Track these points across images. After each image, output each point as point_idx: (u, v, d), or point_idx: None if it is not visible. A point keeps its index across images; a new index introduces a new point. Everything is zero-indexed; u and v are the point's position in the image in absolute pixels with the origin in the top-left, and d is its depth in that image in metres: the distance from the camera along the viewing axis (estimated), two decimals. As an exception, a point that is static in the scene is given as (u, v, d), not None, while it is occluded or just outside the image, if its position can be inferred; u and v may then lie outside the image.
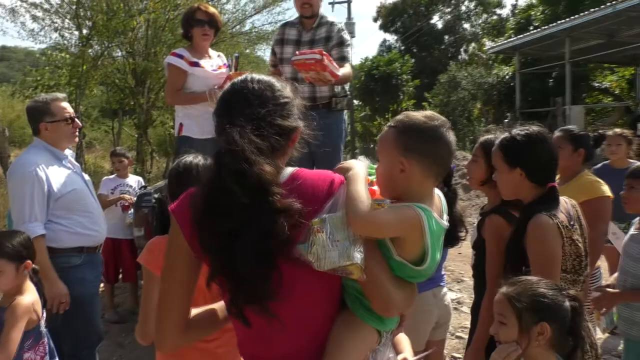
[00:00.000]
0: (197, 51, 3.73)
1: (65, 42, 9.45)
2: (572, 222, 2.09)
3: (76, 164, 3.02)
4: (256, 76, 1.43)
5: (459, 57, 31.90)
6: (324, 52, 3.39)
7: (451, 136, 1.41)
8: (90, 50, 8.61)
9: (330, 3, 29.29)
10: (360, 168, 1.38)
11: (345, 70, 3.77)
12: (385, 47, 33.56)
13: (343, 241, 1.25)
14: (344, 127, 4.07)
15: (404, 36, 32.40)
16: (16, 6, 10.14)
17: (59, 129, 2.85)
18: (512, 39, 16.83)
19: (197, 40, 3.72)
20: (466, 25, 34.70)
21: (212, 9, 3.77)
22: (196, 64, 3.67)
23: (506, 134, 2.15)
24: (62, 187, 2.76)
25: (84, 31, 8.60)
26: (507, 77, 18.40)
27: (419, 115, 1.44)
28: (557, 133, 3.24)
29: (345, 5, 28.71)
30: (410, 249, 1.33)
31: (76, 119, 2.93)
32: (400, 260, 1.34)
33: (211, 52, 3.86)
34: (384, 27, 33.74)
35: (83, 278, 2.78)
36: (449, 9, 34.27)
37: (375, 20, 34.20)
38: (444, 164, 1.41)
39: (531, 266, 2.00)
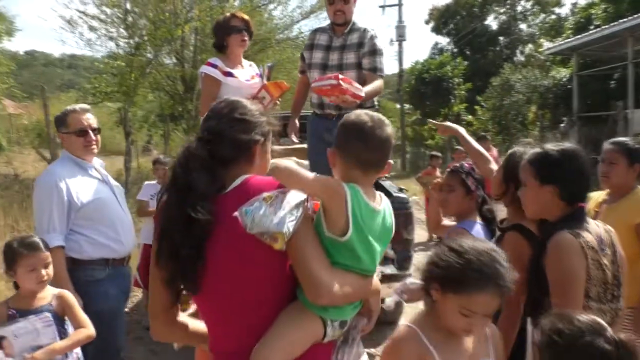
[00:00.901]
0: (230, 60, 3.70)
1: (120, 50, 9.80)
2: (602, 246, 1.90)
3: (104, 172, 3.01)
4: (229, 98, 1.71)
5: (514, 58, 30.91)
6: (341, 76, 3.27)
7: (376, 133, 1.55)
8: (140, 58, 8.82)
9: (380, 6, 29.11)
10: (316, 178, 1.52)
11: (374, 84, 3.67)
12: (437, 50, 32.95)
13: (280, 212, 1.39)
14: None
15: (456, 38, 31.72)
16: (74, 17, 10.58)
17: (71, 140, 2.86)
18: (570, 39, 16.11)
19: (233, 48, 3.67)
20: (522, 26, 33.61)
21: (246, 16, 3.74)
22: (230, 74, 3.64)
23: (539, 149, 2.00)
24: (84, 197, 2.76)
25: (133, 40, 8.85)
26: (564, 79, 17.63)
27: (356, 113, 1.62)
28: (608, 146, 2.93)
29: (396, 8, 28.55)
30: (335, 219, 1.48)
31: (91, 132, 2.88)
32: (330, 236, 1.49)
33: (243, 61, 3.83)
34: (436, 30, 33.16)
35: (106, 292, 2.75)
36: (503, 9, 33.29)
37: (427, 22, 33.70)
38: (362, 158, 1.55)
39: (550, 289, 1.83)
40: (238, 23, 3.62)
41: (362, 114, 1.61)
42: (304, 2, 14.26)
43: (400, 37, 28.26)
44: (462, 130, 2.99)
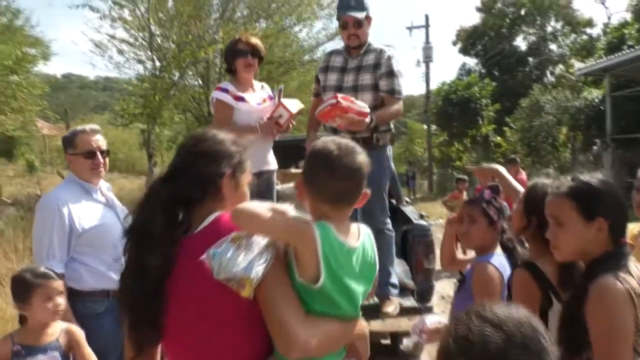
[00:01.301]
0: (241, 84, 3.63)
1: (147, 73, 9.94)
2: None
3: (110, 196, 2.90)
4: (196, 131, 1.70)
5: (544, 79, 30.42)
6: (340, 95, 3.22)
7: (344, 162, 1.44)
8: (165, 80, 8.91)
9: (407, 28, 29.18)
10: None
11: (391, 107, 3.59)
12: (464, 71, 32.72)
13: (249, 255, 1.30)
14: (388, 165, 3.79)
15: (484, 59, 31.45)
16: (103, 41, 10.82)
17: (78, 162, 2.76)
18: (603, 60, 15.70)
19: (240, 72, 3.60)
20: (552, 46, 33.15)
21: (253, 39, 3.65)
22: (241, 99, 3.56)
23: (575, 182, 1.76)
24: (87, 222, 2.66)
25: (157, 63, 8.98)
26: (596, 100, 17.17)
27: (323, 140, 1.51)
28: None
29: (423, 30, 28.51)
30: (305, 264, 1.36)
31: (99, 154, 2.77)
32: (302, 282, 1.37)
33: (255, 83, 3.75)
34: (464, 51, 32.95)
35: (102, 326, 2.60)
36: (533, 30, 32.92)
37: (454, 44, 33.52)
38: (330, 190, 1.43)
39: (593, 342, 1.61)
40: (243, 47, 3.55)
41: (329, 142, 1.49)
42: (330, 24, 14.24)
43: (427, 59, 28.21)
44: (501, 169, 2.80)
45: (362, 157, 1.50)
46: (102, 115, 28.59)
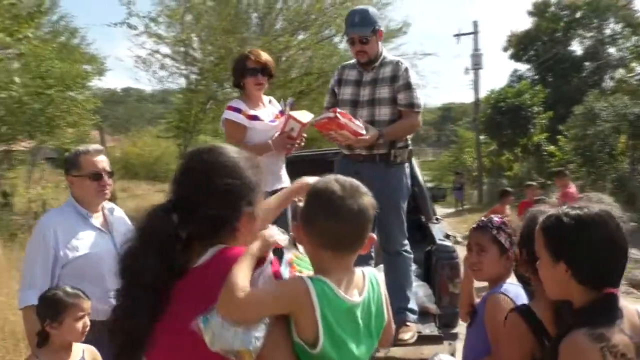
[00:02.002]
0: (251, 100, 3.55)
1: (184, 87, 10.11)
2: None
3: (111, 220, 2.81)
4: (205, 148, 1.42)
5: (603, 85, 29.03)
6: (339, 110, 3.16)
7: (347, 204, 1.32)
8: (200, 95, 9.02)
9: (455, 35, 28.62)
10: (254, 246, 1.30)
11: (405, 122, 3.50)
12: (516, 77, 31.68)
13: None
14: (405, 182, 3.61)
15: (537, 65, 30.35)
16: (144, 55, 11.13)
17: (83, 184, 2.68)
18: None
19: (250, 90, 3.52)
20: (611, 50, 31.61)
21: (264, 56, 3.53)
22: (255, 118, 3.48)
23: (552, 212, 1.57)
24: (72, 251, 2.58)
25: (192, 77, 9.12)
26: (659, 106, 16.18)
27: (325, 180, 1.39)
28: None
29: (471, 37, 27.88)
30: (303, 326, 1.25)
31: (105, 176, 2.71)
32: (298, 342, 1.26)
33: (263, 97, 3.67)
34: (515, 57, 31.92)
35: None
36: (590, 34, 31.53)
37: (505, 50, 32.54)
38: (330, 236, 1.31)
39: None
40: (254, 64, 3.44)
41: (332, 181, 1.37)
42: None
43: (476, 66, 27.56)
44: None
45: (367, 198, 1.38)
46: (156, 127, 29.61)
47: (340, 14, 11.58)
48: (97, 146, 2.87)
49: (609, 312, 1.45)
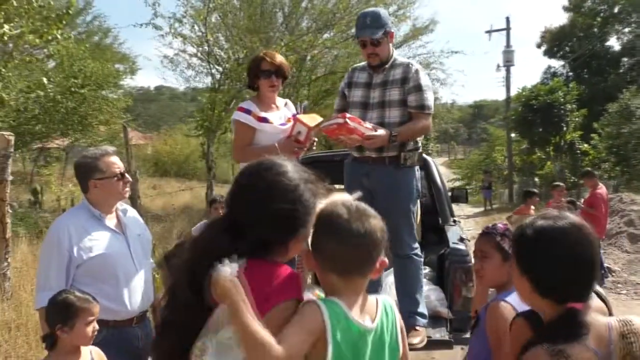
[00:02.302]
0: (264, 102, 3.52)
1: (207, 87, 10.26)
2: None
3: (125, 221, 2.82)
4: (262, 167, 1.41)
5: (641, 81, 28.09)
6: (348, 115, 3.16)
7: (354, 228, 1.31)
8: (223, 94, 9.10)
9: (487, 32, 28.10)
10: (236, 294, 1.23)
11: (415, 124, 3.45)
12: (549, 74, 30.94)
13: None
14: (416, 185, 3.56)
15: (572, 61, 29.57)
16: (171, 55, 11.32)
17: (110, 186, 2.68)
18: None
19: (264, 92, 3.50)
20: (651, 45, 30.56)
21: (278, 58, 3.51)
22: (265, 120, 3.45)
23: (521, 226, 1.53)
24: (86, 252, 2.60)
25: (216, 77, 9.22)
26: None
27: (333, 203, 1.38)
28: None
29: (504, 32, 27.33)
30: (315, 346, 1.25)
31: (126, 174, 2.74)
32: None
33: (278, 100, 3.65)
34: (549, 53, 31.18)
35: None
36: (628, 29, 30.55)
37: (538, 46, 31.83)
38: (338, 259, 1.31)
39: None
40: (268, 66, 3.41)
41: (339, 205, 1.37)
42: (398, 31, 14.01)
43: (508, 62, 27.01)
44: None
45: (375, 220, 1.38)
46: (186, 125, 30.08)
47: (366, 12, 11.55)
48: (111, 148, 2.87)
49: (571, 327, 1.40)
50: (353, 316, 1.29)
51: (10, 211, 5.42)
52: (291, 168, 1.41)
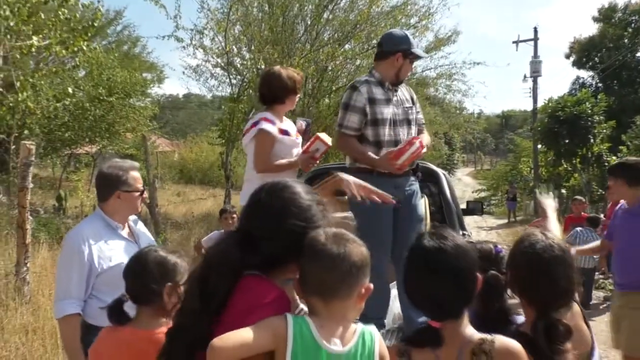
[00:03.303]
0: (280, 116, 3.63)
1: (227, 97, 10.41)
2: None
3: (137, 231, 2.92)
4: (279, 187, 1.50)
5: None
6: (418, 139, 3.33)
7: (331, 251, 1.37)
8: (243, 105, 9.26)
9: (514, 42, 27.80)
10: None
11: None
12: (578, 85, 30.42)
13: None
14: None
15: (601, 72, 29.01)
16: (193, 64, 11.54)
17: (131, 199, 2.78)
18: None
19: (288, 107, 3.65)
20: (684, 56, 29.81)
21: (300, 75, 3.81)
22: (286, 132, 3.57)
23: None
24: (106, 261, 2.66)
25: (235, 88, 9.37)
26: None
27: (318, 230, 1.45)
28: None
29: (531, 43, 27.01)
30: None
31: (144, 192, 2.90)
32: None
33: None
34: (578, 63, 30.67)
35: None
36: (661, 39, 29.88)
37: (567, 56, 31.34)
38: (316, 282, 1.37)
39: None
40: (296, 85, 3.59)
41: (319, 230, 1.44)
42: (420, 42, 14.01)
43: (535, 73, 26.69)
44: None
45: (352, 245, 1.41)
46: (211, 133, 30.58)
47: (387, 24, 11.57)
48: (136, 163, 2.98)
49: (423, 336, 1.58)
50: (320, 337, 1.33)
51: (31, 217, 5.61)
52: (303, 189, 1.51)
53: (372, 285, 1.44)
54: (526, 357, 1.52)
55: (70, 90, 9.21)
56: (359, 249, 1.42)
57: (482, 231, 19.12)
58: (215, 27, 9.03)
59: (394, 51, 3.51)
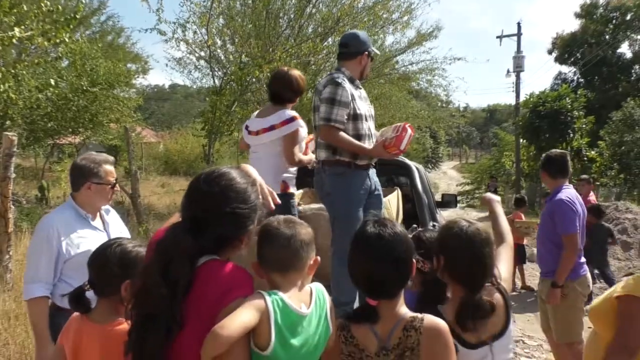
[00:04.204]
0: None
1: (209, 90, 10.52)
2: None
3: (108, 220, 3.06)
4: (216, 174, 1.62)
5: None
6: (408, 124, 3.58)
7: (281, 231, 1.63)
8: (226, 98, 9.35)
9: (498, 37, 28.07)
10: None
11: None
12: (560, 80, 30.84)
13: None
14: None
15: (582, 67, 29.45)
16: (181, 58, 11.62)
17: (102, 191, 2.91)
18: None
19: (292, 106, 3.97)
20: (664, 53, 30.34)
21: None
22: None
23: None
24: (74, 248, 2.80)
25: (216, 82, 9.48)
26: None
27: (270, 218, 1.70)
28: None
29: (515, 38, 27.32)
30: (260, 332, 1.50)
31: (117, 185, 3.01)
32: (253, 349, 1.51)
33: None
34: (560, 59, 31.09)
35: None
36: (641, 36, 30.39)
37: (550, 52, 31.74)
38: (272, 259, 1.62)
39: None
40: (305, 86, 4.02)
41: (271, 218, 1.70)
42: (401, 37, 14.23)
43: (518, 68, 27.00)
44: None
45: (301, 227, 1.68)
46: (196, 124, 30.48)
47: (369, 19, 11.71)
48: (110, 157, 3.09)
49: (362, 313, 1.79)
50: (291, 304, 1.56)
51: (13, 207, 5.71)
52: (239, 174, 1.66)
53: (319, 258, 1.70)
54: (449, 333, 1.72)
55: (52, 81, 9.22)
56: (306, 229, 1.69)
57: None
58: (198, 21, 9.11)
59: (362, 51, 3.71)
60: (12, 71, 7.67)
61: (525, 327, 6.70)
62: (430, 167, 45.12)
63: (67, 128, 15.89)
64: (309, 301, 1.64)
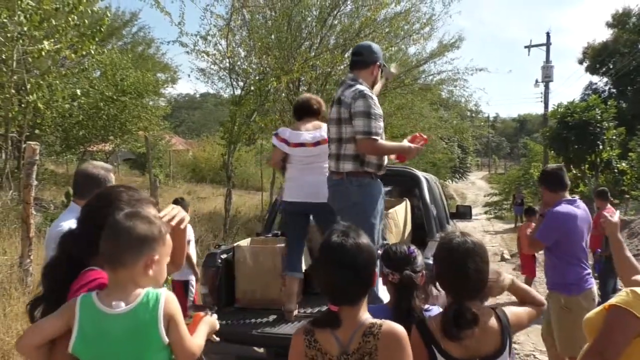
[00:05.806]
0: None
1: (228, 100, 10.75)
2: None
3: None
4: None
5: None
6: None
7: (119, 223, 1.57)
8: (244, 109, 9.54)
9: (526, 47, 27.76)
10: None
11: None
12: (590, 91, 30.22)
13: None
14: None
15: (614, 77, 28.80)
16: (204, 68, 11.91)
17: None
18: None
19: None
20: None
21: None
22: None
23: None
24: None
25: (237, 92, 9.69)
26: None
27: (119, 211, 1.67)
28: None
29: (544, 47, 26.94)
30: (71, 332, 1.57)
31: None
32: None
33: None
34: (591, 69, 30.47)
35: None
36: (677, 45, 29.55)
37: (580, 62, 31.14)
38: (102, 251, 1.58)
39: None
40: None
41: (122, 211, 1.68)
42: (423, 49, 14.23)
43: (547, 78, 26.60)
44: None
45: (140, 222, 1.58)
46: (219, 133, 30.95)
47: (391, 30, 11.78)
48: (109, 166, 3.23)
49: (325, 318, 1.87)
50: (100, 303, 1.55)
51: (35, 212, 5.97)
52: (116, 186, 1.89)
53: (157, 257, 1.60)
54: (407, 339, 1.79)
55: (78, 92, 9.59)
56: (147, 226, 1.58)
57: (487, 235, 19.18)
58: (218, 34, 9.37)
59: (374, 61, 3.80)
60: (42, 82, 8.02)
61: (538, 341, 6.61)
62: (458, 177, 44.57)
63: (97, 136, 16.43)
64: (132, 301, 1.57)
